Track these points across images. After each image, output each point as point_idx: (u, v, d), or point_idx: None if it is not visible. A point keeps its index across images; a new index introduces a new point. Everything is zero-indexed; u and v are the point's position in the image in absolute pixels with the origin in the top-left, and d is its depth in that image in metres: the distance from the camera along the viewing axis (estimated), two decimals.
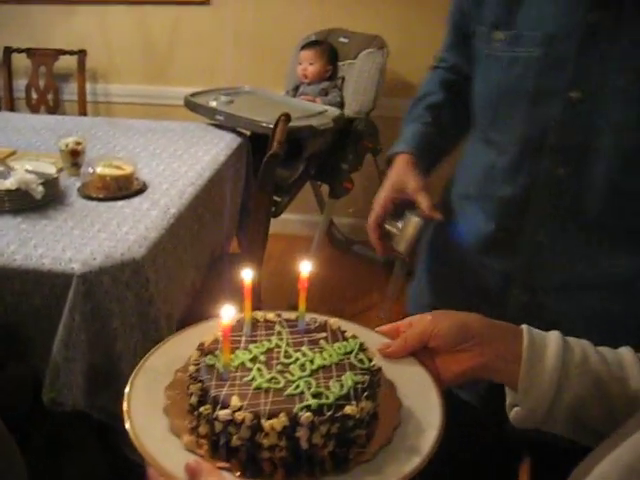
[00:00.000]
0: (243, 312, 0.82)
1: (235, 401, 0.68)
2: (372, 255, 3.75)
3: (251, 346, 0.79)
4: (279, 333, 0.82)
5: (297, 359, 0.76)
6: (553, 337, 0.80)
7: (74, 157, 2.26)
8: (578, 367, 0.77)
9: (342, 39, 3.20)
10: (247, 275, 0.81)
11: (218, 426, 0.68)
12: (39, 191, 1.97)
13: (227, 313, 0.74)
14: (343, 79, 3.16)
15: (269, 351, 0.78)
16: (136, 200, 2.09)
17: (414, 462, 0.68)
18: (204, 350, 0.77)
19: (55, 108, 3.83)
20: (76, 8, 3.83)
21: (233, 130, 2.78)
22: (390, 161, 1.31)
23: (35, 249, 1.77)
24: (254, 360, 0.76)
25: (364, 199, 3.72)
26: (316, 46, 3.17)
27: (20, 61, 3.82)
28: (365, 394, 0.71)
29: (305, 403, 0.68)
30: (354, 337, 0.81)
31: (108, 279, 1.72)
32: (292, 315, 0.85)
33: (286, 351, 0.78)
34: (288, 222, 3.15)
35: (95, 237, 1.84)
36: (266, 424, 0.66)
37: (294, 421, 0.66)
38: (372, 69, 3.03)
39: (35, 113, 3.80)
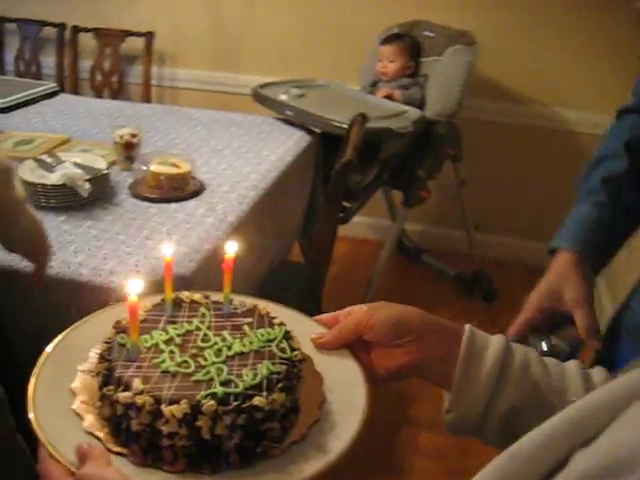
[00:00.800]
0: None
1: (137, 384, 0.65)
2: (442, 266, 3.51)
3: (169, 327, 0.75)
4: (203, 315, 0.77)
5: (215, 344, 0.72)
6: (496, 340, 0.74)
7: (128, 150, 2.06)
8: (516, 374, 0.72)
9: (428, 33, 2.91)
10: (168, 251, 0.78)
11: (119, 409, 0.65)
12: (86, 188, 1.78)
13: (134, 289, 0.69)
14: (426, 77, 2.87)
15: (188, 333, 0.74)
16: (191, 203, 1.89)
17: (321, 462, 0.64)
18: (119, 328, 0.73)
19: (119, 91, 3.68)
20: None
21: (303, 127, 2.55)
22: (552, 252, 1.07)
23: (75, 255, 1.58)
24: (169, 342, 0.72)
25: (437, 207, 3.47)
26: (398, 41, 2.89)
27: (87, 41, 3.67)
28: (280, 385, 0.67)
29: (210, 391, 0.64)
30: (281, 324, 0.76)
31: None
32: (220, 297, 0.80)
33: (205, 334, 0.74)
34: (354, 225, 2.91)
35: (142, 246, 1.64)
36: (166, 410, 0.62)
37: (196, 409, 0.63)
38: (459, 68, 2.73)
39: (98, 95, 3.66)
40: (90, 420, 0.67)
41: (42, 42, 3.75)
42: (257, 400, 0.65)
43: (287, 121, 2.60)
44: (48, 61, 3.74)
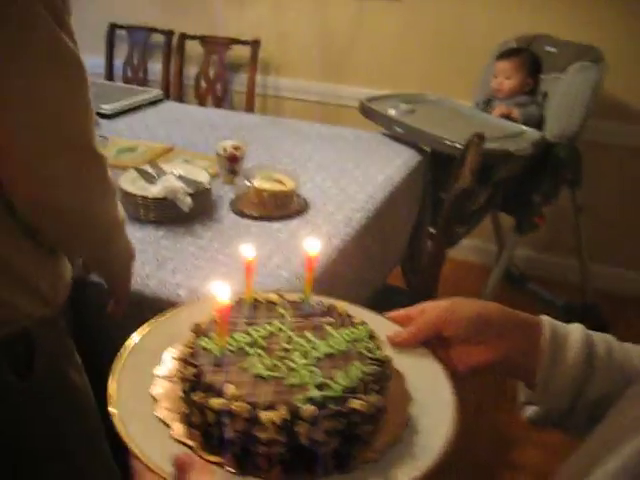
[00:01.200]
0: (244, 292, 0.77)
1: (231, 389, 0.62)
2: (548, 296, 3.29)
3: (250, 329, 0.72)
4: (282, 316, 0.75)
5: (300, 345, 0.70)
6: (576, 331, 0.74)
7: (231, 163, 1.98)
8: (602, 362, 0.71)
9: (549, 48, 2.72)
10: (249, 251, 0.76)
11: (211, 416, 0.62)
12: (187, 203, 1.70)
13: (223, 291, 0.67)
14: (545, 95, 2.68)
15: (270, 335, 0.72)
16: (294, 223, 1.78)
17: (424, 464, 0.62)
18: (199, 332, 0.71)
19: (223, 99, 3.64)
20: None
21: (412, 144, 2.42)
22: None
23: (173, 274, 1.50)
24: (253, 344, 0.70)
25: (547, 232, 3.25)
26: (515, 57, 2.71)
27: (193, 48, 3.66)
28: (374, 387, 0.66)
29: (308, 395, 0.62)
30: (363, 323, 0.75)
31: None
32: (296, 297, 0.78)
33: (289, 336, 0.72)
34: (457, 246, 2.74)
35: (242, 268, 1.54)
36: (264, 416, 0.60)
37: (295, 414, 0.60)
38: (583, 87, 2.52)
39: (202, 102, 3.64)
40: (178, 428, 0.65)
41: (150, 49, 3.77)
42: (356, 403, 0.62)
43: (395, 137, 2.47)
44: (155, 67, 3.75)
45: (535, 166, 2.49)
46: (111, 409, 0.65)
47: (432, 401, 0.70)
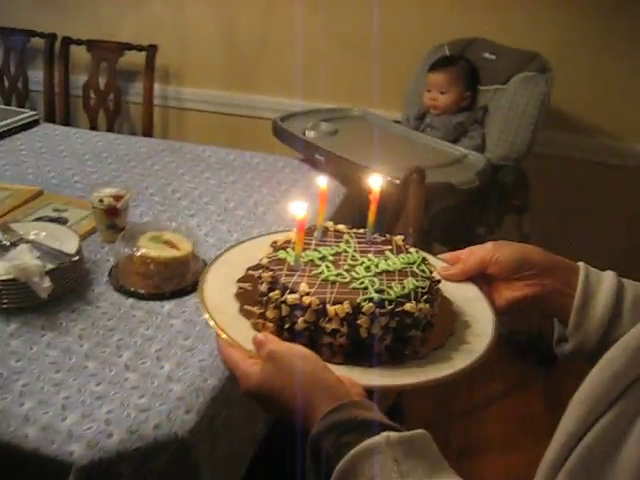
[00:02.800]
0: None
1: (304, 287, 0.75)
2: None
3: (320, 248, 0.84)
4: (347, 241, 0.87)
5: (363, 262, 0.83)
6: (608, 276, 0.82)
7: (111, 217, 1.56)
8: (631, 305, 0.79)
9: (486, 55, 2.37)
10: (322, 181, 0.90)
11: (285, 309, 0.75)
12: (45, 287, 1.27)
13: (301, 207, 0.78)
14: (486, 109, 2.33)
15: (337, 254, 0.84)
16: (193, 302, 1.38)
17: (468, 359, 0.76)
18: (276, 247, 0.84)
19: (116, 112, 3.17)
20: None
21: (335, 174, 2.03)
22: None
23: (20, 401, 1.08)
24: (323, 259, 0.82)
25: None
26: (450, 67, 2.34)
27: (80, 55, 3.17)
28: (424, 297, 0.77)
29: (368, 295, 0.75)
30: (417, 251, 0.87)
31: (130, 471, 1.02)
32: (360, 230, 0.91)
33: (353, 255, 0.84)
34: None
35: (120, 383, 1.13)
36: (330, 309, 0.73)
37: (357, 309, 0.73)
38: (531, 101, 2.18)
39: (93, 117, 3.17)
40: (255, 320, 0.79)
41: (29, 55, 3.26)
42: (408, 306, 0.75)
43: (316, 165, 2.08)
44: (37, 76, 3.23)
45: (478, 193, 2.15)
46: (200, 301, 0.81)
47: (475, 319, 0.83)
